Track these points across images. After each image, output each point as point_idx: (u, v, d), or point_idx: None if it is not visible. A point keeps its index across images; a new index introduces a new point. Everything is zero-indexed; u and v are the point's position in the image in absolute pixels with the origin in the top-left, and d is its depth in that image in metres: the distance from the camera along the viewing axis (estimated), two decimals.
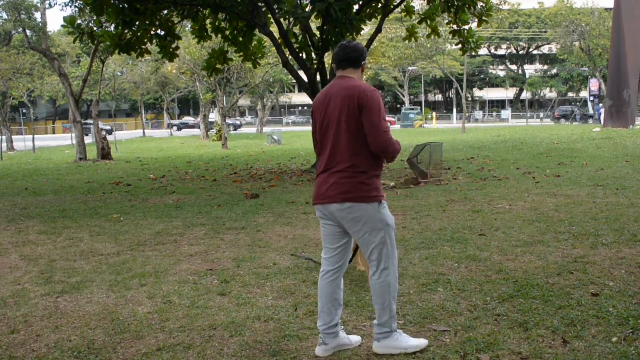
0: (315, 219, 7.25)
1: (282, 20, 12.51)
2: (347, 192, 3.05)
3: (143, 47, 13.05)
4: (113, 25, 13.07)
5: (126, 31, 12.53)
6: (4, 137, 28.39)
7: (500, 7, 35.66)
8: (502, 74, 65.30)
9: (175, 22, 13.91)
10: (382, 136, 3.01)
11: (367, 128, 3.02)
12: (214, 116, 39.18)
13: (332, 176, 3.11)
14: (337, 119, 3.09)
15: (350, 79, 3.14)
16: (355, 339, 3.35)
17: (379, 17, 13.81)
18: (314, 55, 13.38)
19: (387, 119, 3.41)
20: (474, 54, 23.37)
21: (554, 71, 61.55)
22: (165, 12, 13.56)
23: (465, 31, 13.98)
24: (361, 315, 3.78)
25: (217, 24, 13.76)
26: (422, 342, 3.23)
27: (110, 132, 40.91)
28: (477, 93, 67.64)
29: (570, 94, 63.78)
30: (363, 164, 3.07)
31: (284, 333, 3.52)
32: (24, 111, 49.38)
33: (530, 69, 65.04)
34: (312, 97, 13.52)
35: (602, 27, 35.91)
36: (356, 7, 12.93)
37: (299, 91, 53.59)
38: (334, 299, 3.22)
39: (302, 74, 13.99)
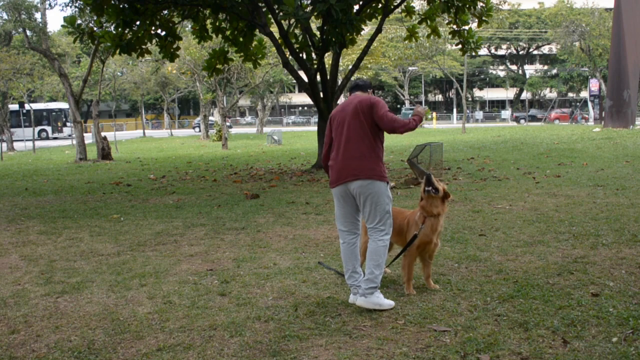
0: (315, 219, 7.25)
1: (282, 20, 12.51)
2: (369, 170, 3.88)
3: (143, 47, 13.05)
4: (113, 25, 13.06)
5: (126, 31, 12.52)
6: (4, 137, 28.39)
7: (500, 7, 35.65)
8: (502, 74, 65.28)
9: (176, 22, 13.91)
10: (388, 120, 3.90)
11: (378, 119, 3.92)
12: (213, 118, 39.48)
13: (351, 161, 3.91)
14: (352, 118, 3.96)
15: (361, 94, 4.11)
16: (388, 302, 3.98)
17: (379, 17, 13.81)
18: (314, 55, 13.38)
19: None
20: (474, 54, 23.36)
21: (554, 71, 61.52)
22: (166, 12, 13.57)
23: (465, 31, 13.98)
24: (361, 315, 3.78)
25: (217, 24, 13.76)
26: (391, 303, 3.92)
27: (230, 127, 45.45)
28: (477, 93, 67.64)
29: (570, 94, 63.77)
30: (373, 152, 3.92)
31: (284, 333, 3.52)
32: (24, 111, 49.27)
33: (530, 69, 65.01)
34: (312, 97, 13.53)
35: (602, 27, 35.89)
36: (356, 7, 12.93)
37: (299, 91, 53.66)
38: (355, 258, 4.04)
39: (302, 74, 13.99)
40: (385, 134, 4.04)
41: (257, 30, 13.35)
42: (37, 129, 45.55)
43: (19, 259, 5.69)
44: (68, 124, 47.23)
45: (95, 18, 13.66)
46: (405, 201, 8.38)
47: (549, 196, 8.24)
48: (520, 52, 64.87)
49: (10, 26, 33.30)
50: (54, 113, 46.47)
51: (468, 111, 53.10)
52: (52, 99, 47.21)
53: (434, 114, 46.16)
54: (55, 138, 45.78)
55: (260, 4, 12.73)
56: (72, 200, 9.82)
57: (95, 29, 13.33)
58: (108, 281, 4.78)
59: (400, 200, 8.45)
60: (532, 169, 11.94)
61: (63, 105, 46.37)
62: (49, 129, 46.76)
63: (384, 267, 3.96)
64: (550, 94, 64.23)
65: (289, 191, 10.04)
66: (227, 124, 49.30)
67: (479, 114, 60.02)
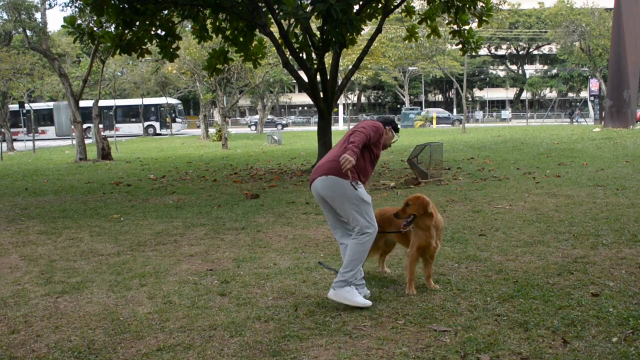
0: (315, 219, 7.25)
1: (282, 20, 12.51)
2: (328, 170, 3.97)
3: (143, 47, 13.04)
4: (113, 26, 13.06)
5: (126, 31, 12.52)
6: (4, 137, 28.40)
7: (500, 7, 35.64)
8: (502, 74, 65.29)
9: (176, 22, 13.91)
10: (354, 135, 3.89)
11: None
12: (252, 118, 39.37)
13: (322, 163, 4.08)
14: (347, 135, 4.03)
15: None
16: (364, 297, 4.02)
17: (379, 17, 13.80)
18: (314, 55, 13.38)
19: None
20: (474, 54, 23.36)
21: (554, 71, 61.54)
22: (166, 12, 13.56)
23: (465, 31, 13.97)
24: (361, 315, 3.78)
25: (217, 24, 13.76)
26: (367, 303, 3.90)
27: (285, 125, 48.34)
28: (477, 93, 67.64)
29: (570, 94, 63.79)
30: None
31: (284, 333, 3.52)
32: (24, 111, 49.31)
33: (530, 69, 65.02)
34: (312, 97, 13.53)
35: (602, 27, 35.89)
36: (356, 7, 12.92)
37: (299, 91, 53.67)
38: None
39: (302, 74, 13.99)
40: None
41: (257, 30, 13.35)
42: (145, 124, 45.83)
43: (19, 259, 5.69)
44: (177, 119, 47.44)
45: (95, 18, 13.65)
46: None
47: (549, 196, 8.24)
48: (520, 52, 64.89)
49: (10, 26, 33.30)
50: (162, 108, 46.17)
51: (468, 111, 53.05)
52: (52, 99, 47.22)
53: (434, 114, 46.12)
54: (159, 134, 45.49)
55: (260, 4, 12.73)
56: (72, 200, 9.82)
57: (95, 29, 13.33)
58: (108, 281, 4.78)
59: (400, 201, 8.44)
60: (532, 169, 11.94)
61: (172, 100, 46.45)
62: (157, 124, 46.57)
63: (359, 265, 3.92)
64: (550, 94, 64.23)
65: (289, 191, 10.03)
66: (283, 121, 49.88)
67: (479, 114, 60.04)
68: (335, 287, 3.91)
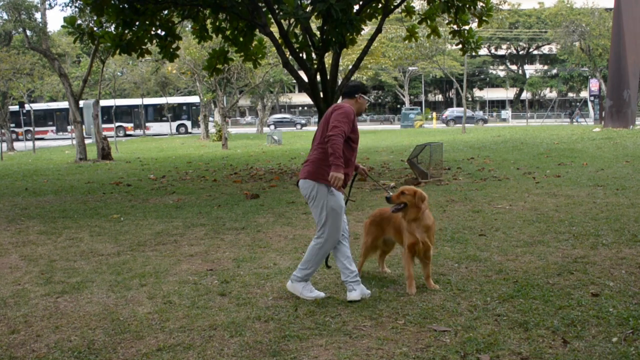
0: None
1: (282, 20, 12.51)
2: (308, 173, 4.10)
3: (143, 47, 13.04)
4: (113, 26, 13.06)
5: (126, 31, 12.51)
6: (4, 137, 28.40)
7: (500, 7, 35.64)
8: (502, 74, 65.27)
9: (176, 22, 13.90)
10: (331, 128, 3.97)
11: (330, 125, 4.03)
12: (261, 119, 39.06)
13: (305, 166, 4.21)
14: (322, 126, 4.16)
15: (345, 103, 4.22)
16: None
17: (379, 17, 13.80)
18: (314, 55, 13.37)
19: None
20: (474, 54, 23.35)
21: (554, 71, 61.52)
22: (165, 12, 13.55)
23: (465, 31, 13.97)
24: (361, 315, 3.78)
25: (217, 24, 13.75)
26: (319, 294, 4.14)
27: (304, 124, 49.16)
28: (477, 93, 67.63)
29: (570, 94, 63.77)
30: (326, 159, 4.01)
31: (284, 333, 3.52)
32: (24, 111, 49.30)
33: (530, 69, 65.00)
34: (312, 97, 13.52)
35: (602, 27, 35.89)
36: (356, 7, 12.92)
37: (299, 91, 53.65)
38: (344, 256, 4.16)
39: (302, 74, 13.98)
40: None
41: (257, 30, 13.34)
42: (175, 123, 45.80)
43: (19, 259, 5.69)
44: (210, 118, 47.33)
45: (95, 18, 13.64)
46: None
47: (549, 196, 8.24)
48: (520, 52, 64.87)
49: (10, 26, 33.28)
50: (193, 107, 45.95)
51: (468, 111, 53.06)
52: (52, 99, 47.23)
53: (434, 114, 46.13)
54: (190, 133, 45.39)
55: (260, 4, 12.72)
56: (72, 200, 9.82)
57: (95, 29, 13.32)
58: (108, 281, 4.78)
59: None
60: (532, 169, 11.94)
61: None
62: (188, 123, 46.41)
63: (315, 265, 4.14)
64: (550, 94, 64.22)
65: (289, 191, 10.03)
66: (303, 121, 49.53)
67: (479, 114, 60.03)
68: (292, 279, 4.19)
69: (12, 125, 44.96)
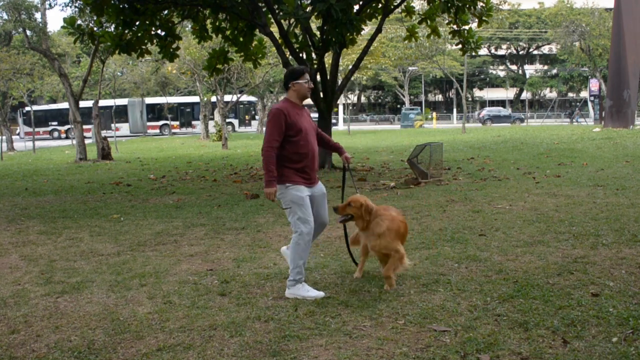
0: None
1: (282, 20, 12.51)
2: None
3: (143, 47, 13.05)
4: (113, 26, 13.06)
5: (126, 31, 12.52)
6: (3, 137, 28.39)
7: (500, 7, 35.65)
8: (502, 74, 65.25)
9: (175, 22, 13.91)
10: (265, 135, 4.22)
11: None
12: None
13: None
14: None
15: (285, 96, 4.40)
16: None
17: (379, 17, 13.81)
18: (314, 55, 13.38)
19: None
20: (474, 54, 23.35)
21: (554, 71, 61.50)
22: (165, 12, 13.56)
23: (465, 31, 13.98)
24: (361, 315, 3.78)
25: (217, 24, 13.76)
26: (319, 294, 4.16)
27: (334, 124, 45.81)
28: (477, 93, 67.61)
29: (570, 94, 63.76)
30: (280, 157, 4.23)
31: (284, 333, 3.52)
32: (24, 111, 49.35)
33: (530, 69, 64.97)
34: (312, 97, 13.52)
35: (602, 27, 35.88)
36: (356, 7, 12.92)
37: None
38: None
39: None
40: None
41: (257, 30, 13.35)
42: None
43: (19, 259, 5.69)
44: (257, 117, 47.26)
45: (95, 18, 13.66)
46: (405, 201, 8.38)
47: (549, 196, 8.24)
48: (520, 52, 64.86)
49: (10, 26, 33.31)
50: (242, 106, 45.72)
51: (468, 112, 53.03)
52: (52, 99, 47.23)
53: (434, 114, 46.13)
54: (235, 132, 45.24)
55: (260, 4, 12.73)
56: (72, 200, 9.82)
57: (95, 29, 13.33)
58: (108, 281, 4.78)
59: (400, 201, 8.46)
60: (532, 169, 11.94)
61: (251, 98, 46.21)
62: (235, 122, 45.97)
63: (300, 262, 4.20)
64: (550, 94, 64.21)
65: None
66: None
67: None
68: (289, 286, 4.24)
69: (55, 123, 45.37)
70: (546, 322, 3.50)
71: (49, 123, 45.70)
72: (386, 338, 3.39)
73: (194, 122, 45.56)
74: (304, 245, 4.19)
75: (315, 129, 4.46)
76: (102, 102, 44.69)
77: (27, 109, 46.43)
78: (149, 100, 46.08)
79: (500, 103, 67.50)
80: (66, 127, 42.53)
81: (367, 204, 4.30)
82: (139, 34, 12.65)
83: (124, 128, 45.20)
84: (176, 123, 46.17)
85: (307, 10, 12.04)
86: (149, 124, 46.14)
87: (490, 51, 64.22)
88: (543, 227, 6.20)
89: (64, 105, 45.04)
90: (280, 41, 13.00)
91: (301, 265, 4.20)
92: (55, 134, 45.76)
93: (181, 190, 10.80)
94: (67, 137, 42.46)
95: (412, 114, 47.63)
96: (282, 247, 4.77)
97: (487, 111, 49.08)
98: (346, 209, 4.33)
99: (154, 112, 45.69)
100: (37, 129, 45.74)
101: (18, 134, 46.37)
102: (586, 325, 3.44)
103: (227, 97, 45.85)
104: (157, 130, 45.41)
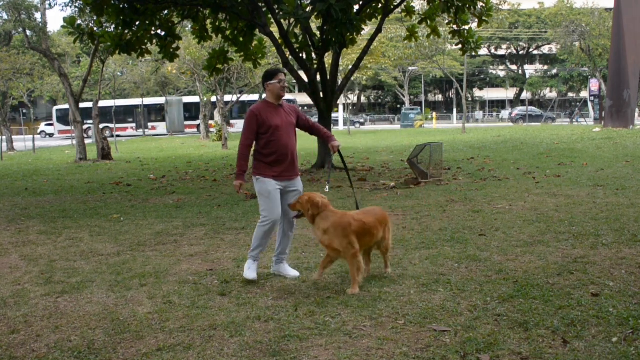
0: None
1: (282, 20, 12.51)
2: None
3: (143, 47, 13.05)
4: (113, 26, 13.07)
5: (126, 31, 12.53)
6: (4, 137, 28.39)
7: (500, 7, 35.63)
8: (502, 74, 65.25)
9: (175, 22, 13.91)
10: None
11: None
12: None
13: None
14: None
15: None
16: (293, 273, 4.74)
17: (379, 17, 13.81)
18: (314, 55, 13.38)
19: None
20: (474, 54, 23.36)
21: (554, 71, 61.50)
22: (165, 12, 13.57)
23: (465, 31, 13.98)
24: (361, 315, 3.77)
25: (217, 24, 13.76)
26: (251, 276, 4.57)
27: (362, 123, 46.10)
28: (477, 93, 67.61)
29: (570, 94, 63.75)
30: (254, 152, 4.73)
31: (284, 333, 3.52)
32: (24, 111, 49.37)
33: (530, 69, 64.98)
34: (312, 97, 13.53)
35: (602, 27, 35.87)
36: (356, 7, 12.93)
37: (299, 91, 53.63)
38: (286, 236, 4.79)
39: (302, 74, 13.99)
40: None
41: (257, 30, 13.35)
42: None
43: (19, 259, 5.69)
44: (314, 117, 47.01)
45: (95, 18, 13.66)
46: (405, 201, 8.38)
47: (549, 196, 8.24)
48: (520, 52, 64.86)
49: (10, 26, 33.31)
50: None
51: (468, 112, 53.02)
52: (52, 99, 47.20)
53: (434, 114, 46.12)
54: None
55: (260, 4, 12.73)
56: (72, 200, 9.82)
57: (95, 29, 13.33)
58: (108, 281, 4.78)
59: (400, 201, 8.46)
60: (532, 169, 11.93)
61: (290, 96, 45.94)
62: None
63: (256, 243, 4.64)
64: (550, 94, 64.21)
65: None
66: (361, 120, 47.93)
67: (479, 114, 60.00)
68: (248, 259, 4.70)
69: (91, 122, 45.43)
70: (546, 322, 3.50)
71: (85, 121, 45.71)
72: (386, 338, 3.39)
73: (232, 122, 45.50)
74: (262, 233, 4.60)
75: (293, 124, 4.76)
76: (133, 102, 44.81)
77: (63, 106, 46.53)
78: (187, 99, 45.93)
79: (500, 103, 67.52)
80: (102, 125, 42.66)
81: (311, 199, 4.41)
82: (139, 34, 12.65)
83: (161, 127, 45.23)
84: (213, 122, 46.21)
85: (307, 10, 12.04)
86: (186, 123, 46.04)
87: (490, 51, 64.23)
88: (543, 227, 6.20)
89: (105, 103, 45.20)
90: (280, 41, 13.00)
91: (257, 247, 4.63)
92: (91, 132, 45.81)
93: (181, 190, 10.80)
94: (111, 136, 42.54)
95: (412, 114, 47.63)
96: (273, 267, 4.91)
97: (518, 110, 48.99)
98: (296, 205, 4.50)
99: (191, 111, 45.50)
100: (71, 128, 46.09)
101: (40, 133, 46.43)
102: (586, 325, 3.44)
103: (227, 97, 45.98)
104: (195, 130, 45.23)
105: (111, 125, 38.34)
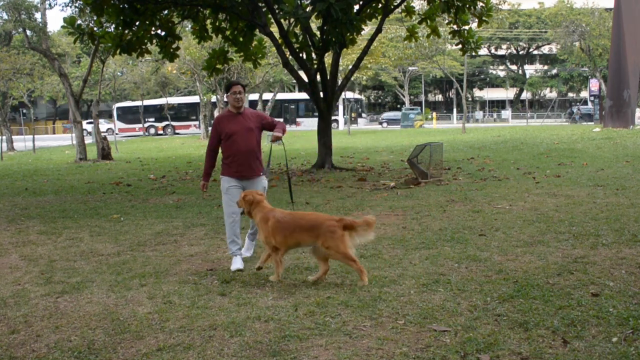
0: None
1: (282, 20, 12.52)
2: None
3: (143, 47, 13.05)
4: (113, 26, 13.07)
5: (126, 31, 12.53)
6: (4, 137, 28.39)
7: (500, 7, 35.62)
8: (502, 74, 65.22)
9: (175, 22, 13.91)
10: None
11: None
12: None
13: None
14: None
15: None
16: (244, 254, 5.37)
17: (379, 17, 13.81)
18: (314, 55, 13.38)
19: None
20: (474, 54, 23.35)
21: (554, 71, 61.48)
22: (165, 12, 13.57)
23: (465, 31, 13.98)
24: (361, 315, 3.77)
25: (217, 24, 13.77)
26: (237, 266, 5.01)
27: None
28: (477, 93, 67.59)
29: (570, 94, 63.74)
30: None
31: (284, 333, 3.52)
32: (24, 111, 49.38)
33: (530, 69, 64.95)
34: (312, 96, 13.54)
35: (602, 27, 35.87)
36: (356, 7, 12.93)
37: (299, 91, 53.65)
38: (233, 233, 5.21)
39: (302, 74, 13.99)
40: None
41: (257, 30, 13.35)
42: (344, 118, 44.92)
43: (19, 259, 5.69)
44: (363, 114, 46.61)
45: (95, 18, 13.66)
46: (405, 201, 8.38)
47: (549, 196, 8.24)
48: (520, 52, 64.85)
49: (10, 26, 33.30)
50: (349, 103, 44.74)
51: (468, 112, 52.99)
52: (52, 99, 47.19)
53: (434, 114, 46.10)
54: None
55: (260, 4, 12.73)
56: (72, 200, 9.82)
57: (95, 29, 13.33)
58: (108, 281, 4.78)
59: (400, 201, 8.46)
60: (532, 169, 11.93)
61: (356, 95, 45.24)
62: (341, 120, 45.30)
63: (228, 238, 5.20)
64: (550, 94, 64.20)
65: (289, 191, 10.01)
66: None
67: (479, 114, 59.97)
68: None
69: (152, 120, 46.00)
70: (546, 322, 3.50)
71: (146, 119, 45.88)
72: (386, 338, 3.39)
73: (298, 120, 45.23)
74: (226, 226, 5.22)
75: (253, 129, 5.20)
76: (196, 99, 44.57)
77: (125, 104, 46.26)
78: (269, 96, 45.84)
79: (500, 103, 67.50)
80: (164, 123, 43.40)
81: (245, 196, 4.81)
82: (139, 34, 12.65)
83: (192, 127, 45.40)
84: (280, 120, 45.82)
85: (307, 10, 12.04)
86: None
87: (490, 51, 64.21)
88: (543, 227, 6.20)
89: (160, 101, 45.03)
90: (280, 41, 13.00)
91: (229, 242, 5.16)
92: (152, 130, 46.05)
93: (181, 190, 10.80)
94: (164, 133, 43.58)
95: (412, 114, 47.60)
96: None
97: (576, 108, 48.77)
98: (238, 203, 4.95)
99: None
100: (132, 126, 45.98)
101: (106, 131, 46.36)
102: (586, 325, 3.44)
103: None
104: None
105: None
